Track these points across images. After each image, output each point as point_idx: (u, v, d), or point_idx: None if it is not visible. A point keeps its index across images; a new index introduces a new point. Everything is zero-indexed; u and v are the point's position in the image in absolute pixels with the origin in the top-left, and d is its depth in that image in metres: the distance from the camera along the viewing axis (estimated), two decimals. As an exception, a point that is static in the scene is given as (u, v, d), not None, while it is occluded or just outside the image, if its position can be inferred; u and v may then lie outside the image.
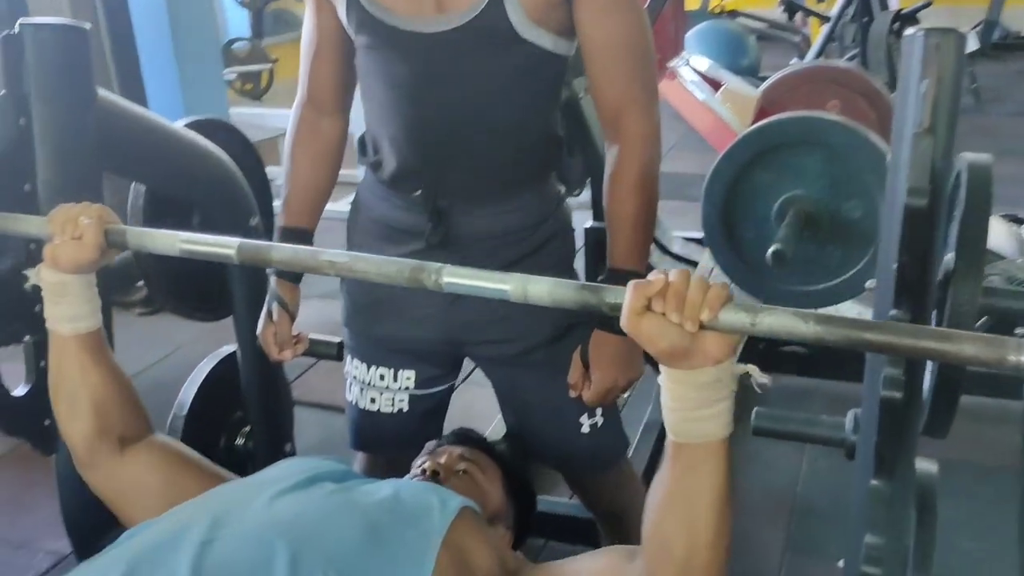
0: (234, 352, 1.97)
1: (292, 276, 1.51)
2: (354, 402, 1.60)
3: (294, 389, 2.31)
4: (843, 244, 2.15)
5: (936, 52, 0.91)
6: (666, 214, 3.14)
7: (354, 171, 1.54)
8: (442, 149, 1.38)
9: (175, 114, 1.99)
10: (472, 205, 1.42)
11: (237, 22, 7.32)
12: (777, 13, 7.71)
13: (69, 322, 1.22)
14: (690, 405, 0.92)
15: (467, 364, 1.62)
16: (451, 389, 1.63)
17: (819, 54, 5.82)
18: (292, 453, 2.08)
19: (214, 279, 1.83)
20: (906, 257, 0.93)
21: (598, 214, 2.43)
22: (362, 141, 1.49)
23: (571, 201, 2.63)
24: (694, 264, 2.85)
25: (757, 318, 0.86)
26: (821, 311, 0.86)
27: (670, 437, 0.96)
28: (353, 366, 1.58)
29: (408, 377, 1.55)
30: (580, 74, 1.78)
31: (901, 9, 5.73)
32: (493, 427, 2.16)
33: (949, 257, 1.10)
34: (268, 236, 1.80)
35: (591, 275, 2.21)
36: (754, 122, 2.41)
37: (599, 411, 1.50)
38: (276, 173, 2.31)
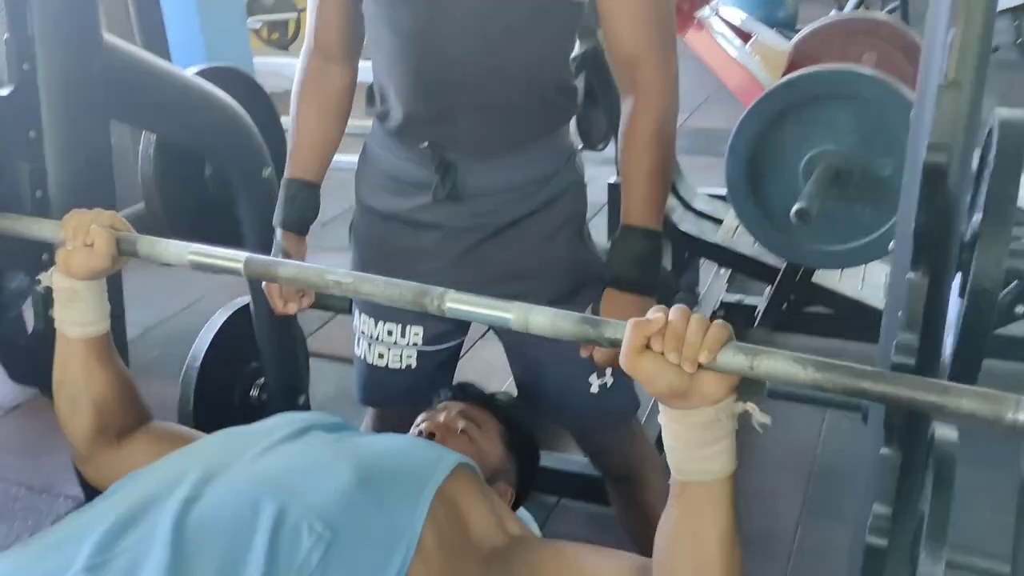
0: (248, 304, 1.97)
1: (298, 227, 1.49)
2: (362, 357, 1.59)
3: (313, 342, 2.31)
4: (872, 203, 2.08)
5: (965, -1, 0.86)
6: (694, 170, 3.08)
7: (366, 122, 1.50)
8: (450, 97, 1.34)
9: (196, 62, 1.94)
10: (481, 158, 1.38)
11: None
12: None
13: (78, 327, 1.23)
14: (690, 444, 0.92)
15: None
16: (459, 345, 1.61)
17: (858, 5, 5.63)
18: (306, 405, 2.08)
19: (228, 226, 1.81)
20: (924, 217, 0.88)
21: (623, 169, 2.38)
22: (370, 91, 1.45)
23: (595, 156, 2.57)
24: (718, 222, 2.79)
25: (756, 360, 0.86)
26: (821, 359, 0.86)
27: (674, 475, 0.95)
28: (361, 321, 1.57)
29: (416, 333, 1.53)
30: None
31: (945, -41, 5.52)
32: (508, 383, 2.15)
33: (977, 218, 1.05)
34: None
35: (614, 232, 2.17)
36: (784, 76, 2.33)
37: (609, 371, 1.47)
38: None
